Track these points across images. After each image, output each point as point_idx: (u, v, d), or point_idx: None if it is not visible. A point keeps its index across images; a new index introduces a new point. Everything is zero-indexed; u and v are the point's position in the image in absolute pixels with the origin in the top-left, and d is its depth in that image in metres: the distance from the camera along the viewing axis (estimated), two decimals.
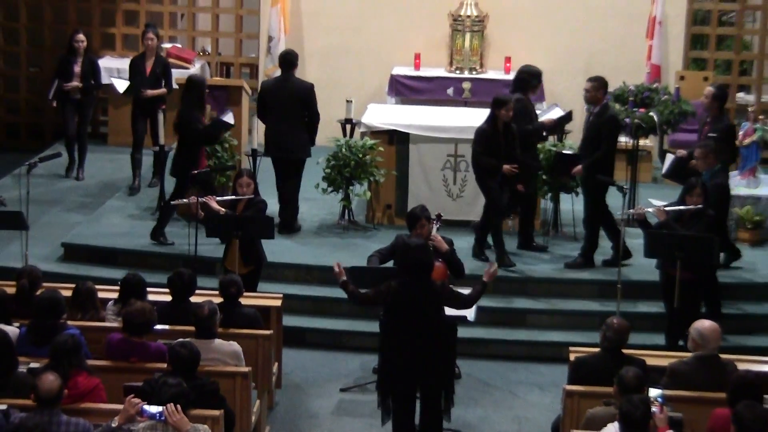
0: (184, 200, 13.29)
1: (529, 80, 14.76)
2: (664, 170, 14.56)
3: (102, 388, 9.65)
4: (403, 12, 18.07)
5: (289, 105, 15.14)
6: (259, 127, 16.68)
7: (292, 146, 15.12)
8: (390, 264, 11.84)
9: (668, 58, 17.84)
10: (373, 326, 12.81)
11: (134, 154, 16.58)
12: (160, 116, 15.42)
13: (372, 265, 11.93)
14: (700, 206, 12.50)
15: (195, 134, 13.98)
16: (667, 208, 12.64)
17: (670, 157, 14.40)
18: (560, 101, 16.68)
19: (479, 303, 11.34)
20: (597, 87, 14.21)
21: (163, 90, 16.23)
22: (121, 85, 16.37)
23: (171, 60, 18.41)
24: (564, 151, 14.26)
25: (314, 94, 15.31)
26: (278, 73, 17.92)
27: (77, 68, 16.69)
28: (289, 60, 15.47)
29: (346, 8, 18.19)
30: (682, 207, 12.54)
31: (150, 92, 16.11)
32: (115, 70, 18.35)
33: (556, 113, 14.78)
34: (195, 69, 18.32)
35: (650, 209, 12.83)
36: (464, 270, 12.21)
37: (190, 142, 14.03)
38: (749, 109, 17.07)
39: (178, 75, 17.64)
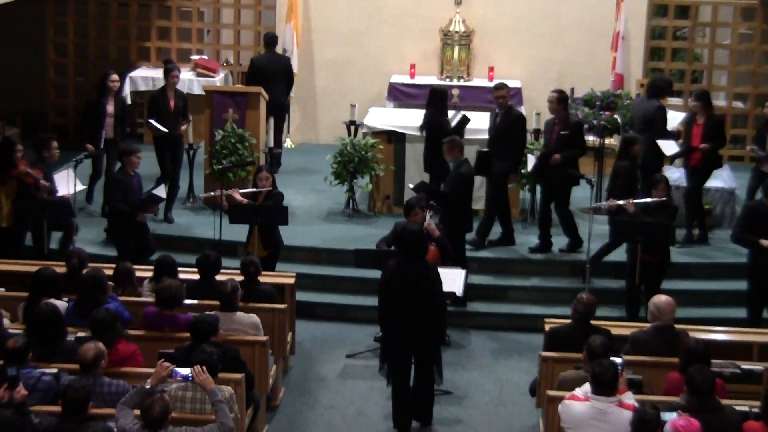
0: (212, 193, 13.35)
1: (664, 88, 15.02)
2: (529, 168, 14.44)
3: (139, 354, 9.69)
4: (399, 28, 18.07)
5: (278, 74, 16.70)
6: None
7: (280, 104, 16.82)
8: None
9: (630, 68, 17.83)
10: (374, 301, 12.88)
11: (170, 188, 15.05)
12: (183, 147, 15.11)
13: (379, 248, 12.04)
14: (663, 198, 12.54)
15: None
16: (634, 201, 12.66)
17: (531, 158, 14.38)
18: (536, 107, 16.73)
19: (467, 280, 11.42)
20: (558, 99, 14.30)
21: (186, 123, 15.32)
22: (161, 128, 14.98)
23: (198, 70, 18.46)
24: (483, 149, 14.17)
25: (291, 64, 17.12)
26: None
27: (110, 108, 15.10)
28: (274, 40, 17.17)
29: (351, 25, 18.18)
30: (647, 199, 12.57)
31: (182, 128, 15.25)
32: (150, 79, 18.41)
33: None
34: (219, 78, 18.30)
35: (621, 201, 12.86)
36: (453, 254, 12.25)
37: None
38: None
39: (204, 83, 17.71)
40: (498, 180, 14.14)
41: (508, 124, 14.24)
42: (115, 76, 15.30)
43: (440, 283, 10.59)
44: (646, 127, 14.48)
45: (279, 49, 18.02)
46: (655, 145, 14.26)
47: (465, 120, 14.73)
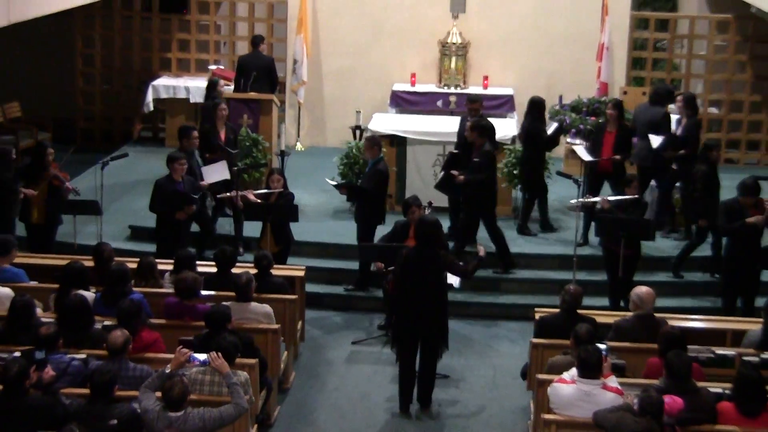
0: (228, 194, 13.37)
1: (666, 96, 14.98)
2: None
3: (161, 341, 9.72)
4: (401, 40, 18.08)
5: (260, 71, 16.57)
6: (286, 131, 16.73)
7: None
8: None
9: (614, 77, 17.84)
10: (377, 292, 12.93)
11: (215, 214, 14.49)
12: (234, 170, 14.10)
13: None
14: (636, 196, 12.57)
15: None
16: (609, 198, 12.70)
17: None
18: None
19: None
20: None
21: (236, 152, 14.60)
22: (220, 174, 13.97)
23: (215, 77, 18.42)
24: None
25: (275, 64, 17.02)
26: (302, 90, 18.04)
27: (222, 134, 14.29)
28: (258, 39, 17.20)
29: (356, 37, 18.20)
30: (621, 197, 12.59)
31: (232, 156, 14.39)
32: (171, 87, 18.43)
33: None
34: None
35: (598, 198, 12.90)
36: (448, 247, 12.28)
37: None
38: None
39: (222, 90, 17.70)
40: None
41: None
42: (224, 106, 14.74)
43: (452, 268, 10.79)
44: (650, 131, 14.36)
45: (289, 61, 18.05)
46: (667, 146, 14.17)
47: (561, 129, 14.77)
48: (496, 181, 13.85)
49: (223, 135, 14.36)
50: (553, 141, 14.84)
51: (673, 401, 8.09)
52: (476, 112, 14.25)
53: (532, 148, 14.42)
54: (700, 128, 14.79)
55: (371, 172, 13.41)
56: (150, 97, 18.48)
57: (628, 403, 8.39)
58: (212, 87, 15.54)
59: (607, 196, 12.98)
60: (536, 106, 14.66)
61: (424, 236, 10.63)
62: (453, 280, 11.22)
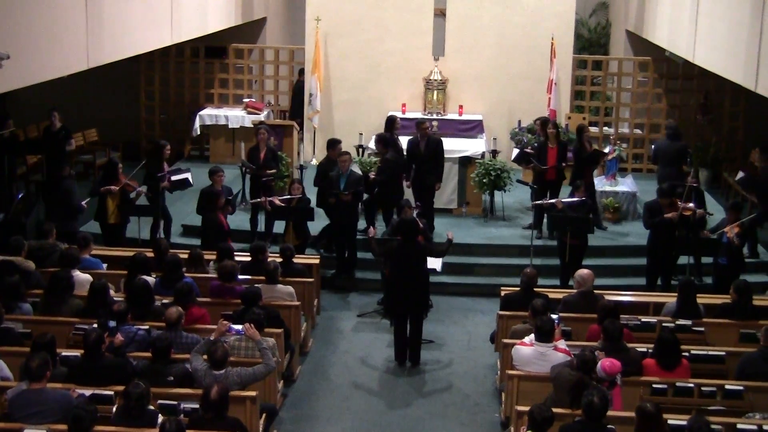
0: (258, 199, 13.34)
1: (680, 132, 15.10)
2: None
3: (207, 316, 9.70)
4: (394, 78, 17.98)
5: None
6: (304, 150, 16.69)
7: None
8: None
9: (560, 105, 17.73)
10: (377, 275, 12.88)
11: (252, 219, 13.95)
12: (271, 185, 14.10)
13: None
14: (583, 198, 12.54)
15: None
16: (563, 200, 12.68)
17: None
18: (494, 133, 16.71)
19: (444, 259, 11.43)
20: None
21: (274, 171, 14.15)
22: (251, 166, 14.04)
23: (248, 109, 18.42)
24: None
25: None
26: (316, 117, 17.98)
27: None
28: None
29: (359, 75, 18.10)
30: (571, 199, 12.57)
31: (267, 173, 13.94)
32: (213, 116, 18.39)
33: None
34: (263, 114, 18.26)
35: (553, 200, 12.89)
36: (432, 239, 12.28)
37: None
38: (610, 137, 17.16)
39: (253, 118, 17.67)
40: (429, 190, 13.99)
41: (432, 148, 13.95)
42: (263, 130, 14.32)
43: (431, 252, 10.93)
44: (675, 160, 14.41)
45: (306, 95, 17.99)
46: (681, 171, 14.15)
47: (522, 153, 14.86)
48: (394, 180, 13.55)
49: (262, 155, 14.11)
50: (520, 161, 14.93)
51: (612, 364, 8.06)
52: (425, 132, 13.98)
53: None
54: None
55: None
56: (197, 123, 18.41)
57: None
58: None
59: (561, 198, 12.94)
60: (581, 130, 14.40)
61: (406, 232, 10.69)
62: (435, 264, 11.19)
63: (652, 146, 15.92)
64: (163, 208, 13.32)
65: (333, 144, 13.86)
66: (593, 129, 17.80)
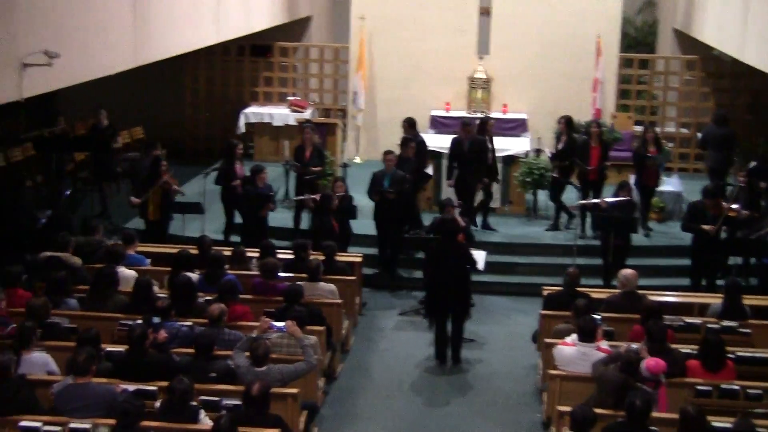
0: (301, 197, 13.39)
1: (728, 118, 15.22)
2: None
3: (250, 313, 9.74)
4: (438, 76, 17.96)
5: None
6: (348, 148, 16.71)
7: None
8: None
9: (605, 104, 17.63)
10: (419, 274, 12.88)
11: (296, 217, 13.98)
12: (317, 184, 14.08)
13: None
14: (628, 198, 12.45)
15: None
16: (607, 200, 12.59)
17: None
18: (538, 132, 16.61)
19: (487, 258, 11.40)
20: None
21: (319, 169, 14.24)
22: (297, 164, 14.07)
23: (293, 107, 18.49)
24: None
25: None
26: (360, 115, 18.00)
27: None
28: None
29: (402, 74, 18.10)
30: (616, 199, 12.48)
31: (312, 170, 13.95)
32: (258, 114, 18.49)
33: None
34: (308, 113, 18.32)
35: (598, 200, 12.81)
36: (474, 238, 12.24)
37: None
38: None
39: (297, 117, 17.75)
40: (471, 190, 13.97)
41: (476, 149, 13.85)
42: (309, 129, 14.30)
43: (468, 257, 10.74)
44: (722, 145, 14.64)
45: (350, 93, 18.02)
46: (730, 156, 14.69)
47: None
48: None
49: (308, 153, 14.08)
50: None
51: (656, 363, 7.99)
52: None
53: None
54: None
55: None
56: (242, 121, 18.53)
57: (619, 351, 8.34)
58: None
59: (605, 198, 12.85)
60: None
61: (445, 231, 10.69)
62: (480, 264, 11.16)
63: (698, 134, 16.11)
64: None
65: (405, 142, 13.88)
66: (637, 128, 17.62)
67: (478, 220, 14.27)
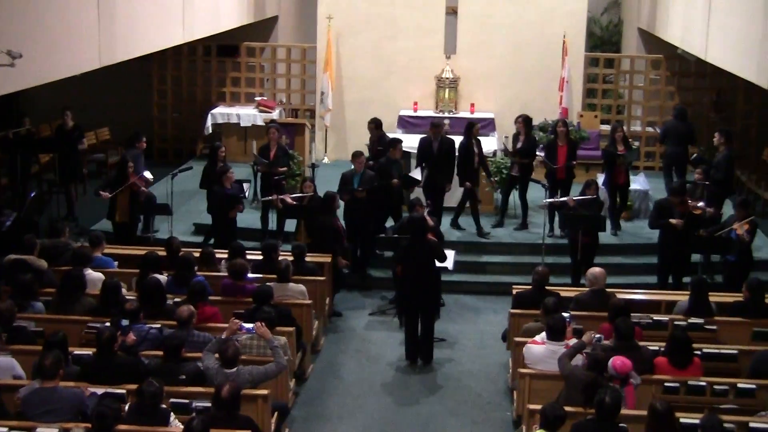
0: (269, 197, 13.34)
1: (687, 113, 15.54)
2: None
3: (219, 314, 9.70)
4: (405, 76, 17.98)
5: None
6: (316, 148, 16.63)
7: None
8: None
9: (572, 104, 17.71)
10: (388, 273, 12.88)
11: (263, 217, 13.76)
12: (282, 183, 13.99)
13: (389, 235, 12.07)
14: (594, 196, 12.51)
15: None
16: (575, 198, 12.65)
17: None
18: (505, 131, 16.63)
19: (456, 258, 11.41)
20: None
21: (284, 168, 14.07)
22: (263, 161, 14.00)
23: (260, 107, 18.42)
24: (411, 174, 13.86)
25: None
26: (328, 115, 17.97)
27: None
28: None
29: (371, 74, 18.10)
30: (583, 197, 12.53)
31: (279, 171, 13.81)
32: (225, 114, 18.40)
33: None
34: (275, 113, 18.27)
35: (565, 198, 12.87)
36: (443, 237, 12.25)
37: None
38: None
39: (265, 117, 17.69)
40: (440, 190, 13.90)
41: (445, 149, 13.81)
42: (273, 129, 14.24)
43: (439, 252, 10.75)
44: (682, 140, 14.95)
45: (318, 93, 18.00)
46: (687, 150, 15.01)
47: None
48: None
49: (272, 153, 14.02)
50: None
51: (622, 363, 8.03)
52: (438, 133, 13.83)
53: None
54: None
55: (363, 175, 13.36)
56: (209, 122, 18.43)
57: (583, 341, 8.40)
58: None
59: (572, 197, 12.91)
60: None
61: (415, 229, 10.67)
62: (448, 263, 11.17)
63: (656, 128, 16.44)
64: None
65: (394, 143, 13.83)
66: (604, 127, 17.73)
67: (483, 223, 14.25)
